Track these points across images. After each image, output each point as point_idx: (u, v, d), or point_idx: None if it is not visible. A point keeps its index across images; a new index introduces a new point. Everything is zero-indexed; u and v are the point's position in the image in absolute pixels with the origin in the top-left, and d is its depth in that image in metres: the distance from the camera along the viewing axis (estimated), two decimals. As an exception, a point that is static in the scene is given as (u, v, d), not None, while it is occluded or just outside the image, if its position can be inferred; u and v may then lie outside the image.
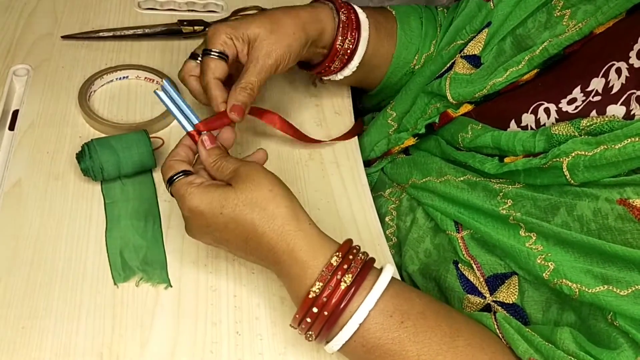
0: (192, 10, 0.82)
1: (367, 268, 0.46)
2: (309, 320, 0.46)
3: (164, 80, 0.54)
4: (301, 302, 0.46)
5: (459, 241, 0.56)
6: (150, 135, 0.61)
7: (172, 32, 0.77)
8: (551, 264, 0.47)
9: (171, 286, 0.54)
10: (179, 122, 0.53)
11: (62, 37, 0.74)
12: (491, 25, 0.59)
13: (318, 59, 0.66)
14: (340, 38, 0.63)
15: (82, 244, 0.56)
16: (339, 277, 0.45)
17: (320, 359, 0.52)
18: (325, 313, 0.45)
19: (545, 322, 0.50)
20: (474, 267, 0.54)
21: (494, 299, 0.52)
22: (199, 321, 0.52)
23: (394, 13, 0.70)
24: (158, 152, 0.63)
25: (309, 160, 0.67)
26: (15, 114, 0.66)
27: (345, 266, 0.45)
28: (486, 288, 0.53)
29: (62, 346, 0.49)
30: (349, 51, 0.64)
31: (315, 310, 0.45)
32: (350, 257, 0.46)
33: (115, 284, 0.53)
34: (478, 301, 0.54)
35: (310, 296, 0.45)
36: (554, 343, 0.45)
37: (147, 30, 0.76)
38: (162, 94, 0.53)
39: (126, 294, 0.53)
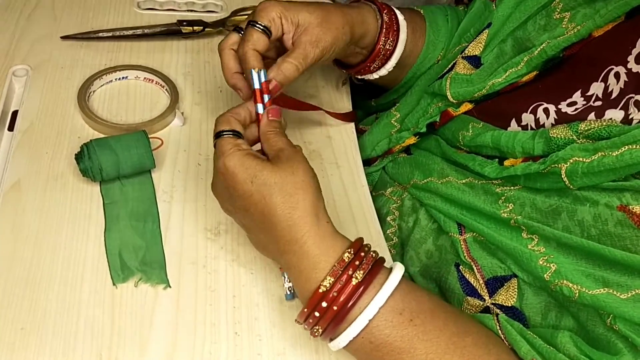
0: (191, 11, 0.82)
1: (378, 266, 0.47)
2: (317, 314, 0.45)
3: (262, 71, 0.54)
4: (310, 296, 0.46)
5: (461, 243, 0.56)
6: (150, 136, 0.61)
7: (171, 32, 0.76)
8: (553, 265, 0.47)
9: (170, 287, 0.54)
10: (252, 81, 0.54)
11: (61, 37, 0.74)
12: (491, 26, 0.59)
13: (356, 58, 0.66)
14: (382, 39, 0.64)
15: (81, 245, 0.56)
16: (350, 273, 0.45)
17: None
18: (335, 308, 0.45)
19: (544, 326, 0.50)
20: (474, 269, 0.54)
21: (493, 302, 0.52)
22: (197, 322, 0.52)
23: (422, 12, 0.70)
24: (157, 152, 0.63)
25: (309, 160, 0.67)
26: (15, 114, 0.66)
27: (357, 262, 0.46)
28: (485, 290, 0.53)
29: (61, 347, 0.49)
30: (388, 52, 0.65)
31: (324, 304, 0.45)
32: (362, 254, 0.46)
33: (114, 284, 0.53)
34: (477, 303, 0.54)
35: (320, 290, 0.45)
36: (555, 346, 0.45)
37: (146, 31, 0.76)
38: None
39: (125, 295, 0.53)
